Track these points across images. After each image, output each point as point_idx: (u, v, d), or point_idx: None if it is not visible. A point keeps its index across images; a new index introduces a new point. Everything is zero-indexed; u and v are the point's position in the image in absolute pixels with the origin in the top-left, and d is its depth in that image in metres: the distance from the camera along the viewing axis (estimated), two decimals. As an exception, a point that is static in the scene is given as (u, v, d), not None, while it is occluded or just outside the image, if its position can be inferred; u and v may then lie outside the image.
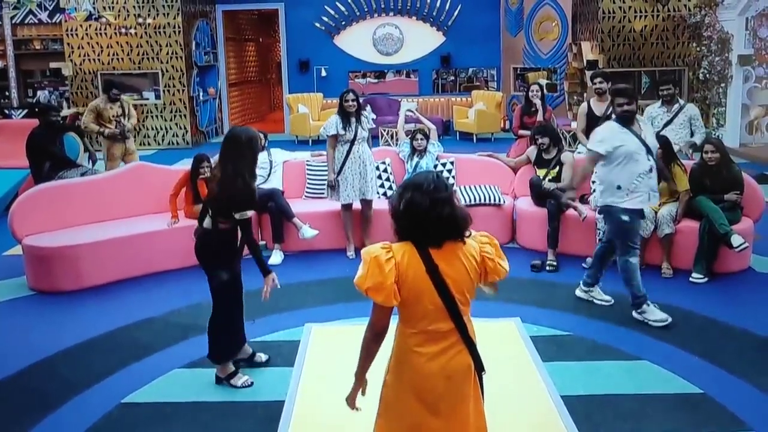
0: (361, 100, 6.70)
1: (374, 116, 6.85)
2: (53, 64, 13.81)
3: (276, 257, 6.53)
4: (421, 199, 2.42)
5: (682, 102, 6.97)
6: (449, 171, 7.15)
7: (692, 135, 6.93)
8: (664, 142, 6.15)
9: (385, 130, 13.14)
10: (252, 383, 4.22)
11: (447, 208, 2.44)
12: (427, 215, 2.42)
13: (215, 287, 4.20)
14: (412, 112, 7.78)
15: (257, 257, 4.16)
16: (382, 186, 7.09)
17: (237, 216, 3.96)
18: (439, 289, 2.44)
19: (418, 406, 2.53)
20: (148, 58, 13.69)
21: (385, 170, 7.23)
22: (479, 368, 2.59)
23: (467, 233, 2.51)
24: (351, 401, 2.65)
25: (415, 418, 2.54)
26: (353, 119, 6.48)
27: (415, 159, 7.05)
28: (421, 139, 7.06)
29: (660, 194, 6.12)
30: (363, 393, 2.66)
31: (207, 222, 4.09)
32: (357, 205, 6.66)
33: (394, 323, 2.57)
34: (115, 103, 8.22)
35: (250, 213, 4.04)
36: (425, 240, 2.45)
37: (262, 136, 7.11)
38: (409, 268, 2.44)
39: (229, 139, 4.05)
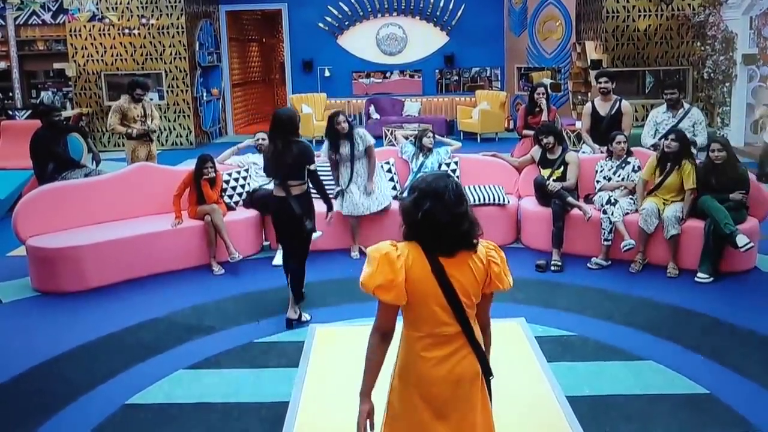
0: (351, 122, 6.80)
1: (372, 142, 6.72)
2: (57, 65, 13.84)
3: (280, 258, 6.52)
4: (442, 213, 2.37)
5: (686, 107, 6.92)
6: (453, 171, 7.13)
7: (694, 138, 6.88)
8: (681, 136, 6.14)
9: (388, 130, 13.13)
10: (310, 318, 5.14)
11: (466, 223, 2.41)
12: (446, 229, 2.39)
13: (305, 237, 5.12)
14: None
15: (325, 198, 5.30)
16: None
17: (312, 168, 5.01)
18: (444, 289, 2.41)
19: (425, 411, 2.49)
20: (151, 59, 13.70)
21: (389, 170, 7.21)
22: (487, 373, 2.55)
23: (476, 241, 2.46)
24: (361, 429, 2.50)
25: (421, 424, 2.50)
26: (346, 140, 6.46)
27: (421, 158, 7.04)
28: (430, 137, 7.08)
29: (666, 191, 6.13)
30: (371, 425, 2.50)
31: (280, 191, 5.01)
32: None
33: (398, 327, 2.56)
34: (139, 104, 8.03)
35: (314, 165, 5.04)
36: (440, 248, 2.41)
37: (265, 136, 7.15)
38: (415, 268, 2.41)
39: (273, 119, 5.02)
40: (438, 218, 2.37)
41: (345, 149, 6.49)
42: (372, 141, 6.63)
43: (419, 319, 2.46)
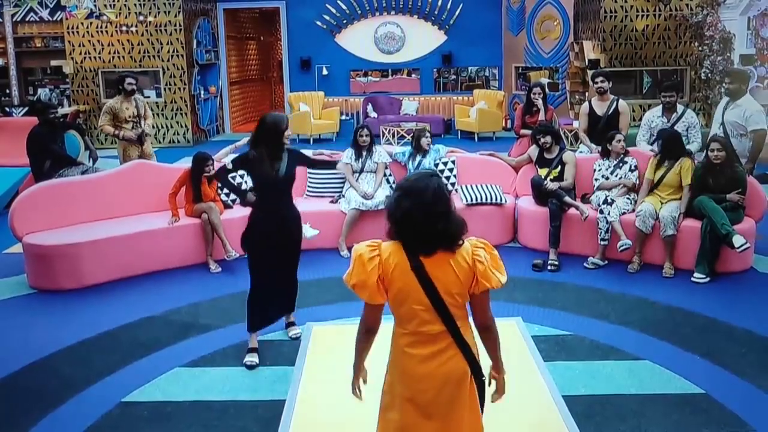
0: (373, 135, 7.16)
1: (389, 159, 7.11)
2: (54, 62, 13.80)
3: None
4: (418, 212, 2.40)
5: (680, 109, 6.90)
6: (450, 170, 7.13)
7: (688, 143, 6.88)
8: (673, 135, 6.17)
9: (386, 129, 13.13)
10: (253, 365, 4.45)
11: (442, 223, 2.42)
12: (422, 228, 2.41)
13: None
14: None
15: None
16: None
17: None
18: (425, 288, 2.42)
19: (411, 408, 2.51)
20: (149, 56, 13.68)
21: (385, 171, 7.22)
22: (477, 374, 2.55)
23: (460, 242, 2.47)
24: (354, 391, 2.68)
25: (408, 420, 2.52)
26: (365, 152, 6.95)
27: (418, 158, 7.03)
28: (428, 137, 7.10)
29: (665, 188, 6.15)
30: (365, 381, 2.69)
31: None
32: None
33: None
34: (131, 103, 7.73)
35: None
36: (418, 247, 2.44)
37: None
38: (395, 267, 2.43)
39: None
40: (414, 217, 2.40)
41: (362, 160, 6.96)
42: (388, 160, 7.08)
43: (404, 317, 2.50)
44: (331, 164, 5.47)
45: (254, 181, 4.67)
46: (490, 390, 2.66)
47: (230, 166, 4.66)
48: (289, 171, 4.54)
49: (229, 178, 4.84)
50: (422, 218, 2.39)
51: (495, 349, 2.61)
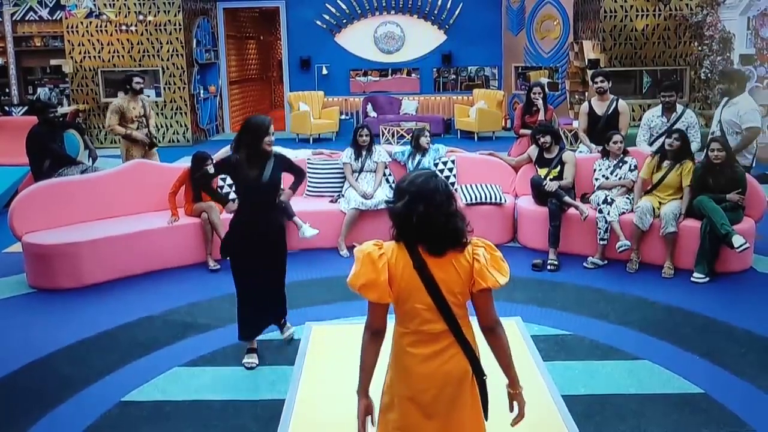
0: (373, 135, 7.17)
1: (388, 159, 7.10)
2: (54, 61, 13.80)
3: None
4: (437, 216, 2.38)
5: (680, 109, 6.90)
6: (450, 170, 7.13)
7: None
8: (682, 135, 6.18)
9: (386, 129, 13.13)
10: (253, 367, 4.39)
11: (458, 221, 2.42)
12: (436, 230, 2.39)
13: None
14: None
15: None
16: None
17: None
18: (428, 286, 2.41)
19: (413, 408, 2.49)
20: (148, 56, 13.67)
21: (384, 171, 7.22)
22: (479, 373, 2.53)
23: (465, 240, 2.46)
24: (360, 426, 2.53)
25: (409, 419, 2.51)
26: (365, 152, 6.96)
27: (418, 157, 7.03)
28: (427, 137, 7.11)
29: (665, 188, 6.15)
30: (372, 422, 2.55)
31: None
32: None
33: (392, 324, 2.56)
34: (138, 103, 7.64)
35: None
36: (430, 248, 2.42)
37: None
38: (398, 266, 2.42)
39: None
40: (434, 221, 2.38)
41: (361, 160, 6.97)
42: (387, 160, 7.07)
43: (406, 316, 2.48)
44: (302, 177, 4.90)
45: (236, 186, 4.50)
46: (512, 415, 2.60)
47: (212, 170, 4.48)
48: (274, 176, 4.35)
49: (210, 183, 4.78)
50: (437, 219, 2.38)
51: (505, 357, 2.53)
